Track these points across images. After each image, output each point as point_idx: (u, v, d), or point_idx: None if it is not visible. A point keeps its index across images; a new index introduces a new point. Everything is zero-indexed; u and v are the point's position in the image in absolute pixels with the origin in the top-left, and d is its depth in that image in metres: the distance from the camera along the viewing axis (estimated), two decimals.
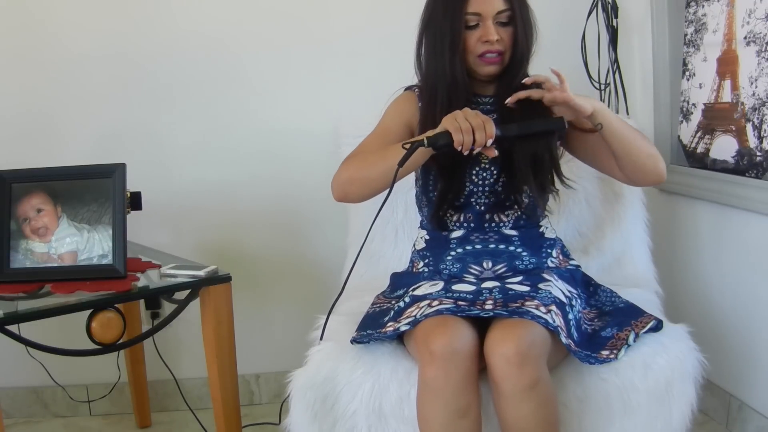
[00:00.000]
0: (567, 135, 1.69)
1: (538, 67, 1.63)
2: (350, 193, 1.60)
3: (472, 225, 1.66)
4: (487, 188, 1.64)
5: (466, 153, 1.44)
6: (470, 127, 1.42)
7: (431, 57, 1.63)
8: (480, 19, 1.56)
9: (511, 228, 1.66)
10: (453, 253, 1.66)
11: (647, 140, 1.62)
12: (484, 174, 1.64)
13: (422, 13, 1.64)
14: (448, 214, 1.68)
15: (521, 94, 1.53)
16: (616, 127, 1.55)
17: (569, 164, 1.94)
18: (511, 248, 1.64)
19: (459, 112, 1.45)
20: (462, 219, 1.67)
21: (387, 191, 1.50)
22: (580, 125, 1.64)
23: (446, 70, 1.59)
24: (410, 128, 1.68)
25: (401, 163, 1.46)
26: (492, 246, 1.64)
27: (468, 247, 1.65)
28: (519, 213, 1.66)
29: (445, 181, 1.64)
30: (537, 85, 1.54)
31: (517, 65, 1.59)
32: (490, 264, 1.63)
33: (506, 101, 1.55)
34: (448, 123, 1.44)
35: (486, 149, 1.45)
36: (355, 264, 1.62)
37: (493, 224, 1.66)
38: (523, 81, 1.55)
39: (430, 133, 1.47)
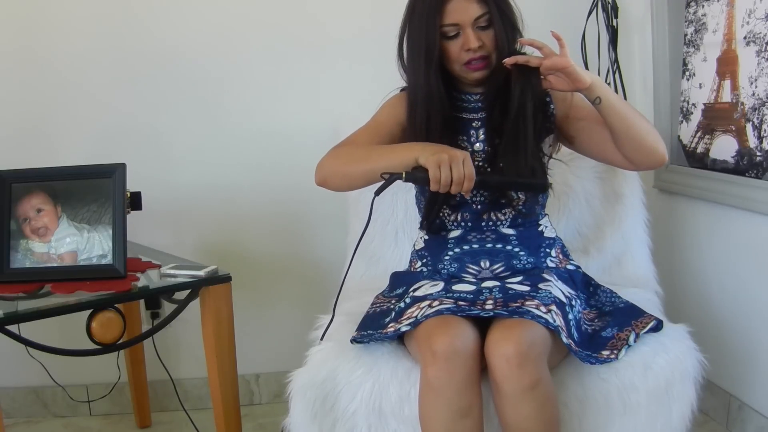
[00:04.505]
0: (562, 126, 1.68)
1: None
2: (329, 183, 1.61)
3: (469, 224, 1.66)
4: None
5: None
6: (449, 181, 1.41)
7: (409, 69, 1.63)
8: (459, 28, 1.54)
9: (508, 227, 1.66)
10: (450, 253, 1.66)
11: (647, 120, 1.61)
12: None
13: (401, 21, 1.62)
14: (445, 214, 1.68)
15: (520, 59, 1.52)
16: (614, 101, 1.55)
17: (569, 164, 1.95)
18: (509, 248, 1.64)
19: (446, 157, 1.41)
20: (459, 218, 1.67)
21: (367, 219, 1.53)
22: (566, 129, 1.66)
23: (422, 83, 1.59)
24: (403, 127, 1.67)
25: (378, 192, 1.50)
26: (489, 245, 1.64)
27: (465, 247, 1.65)
28: (515, 211, 1.66)
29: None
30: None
31: (504, 65, 1.57)
32: (487, 263, 1.63)
33: (504, 60, 1.53)
34: (431, 166, 1.42)
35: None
36: (350, 266, 1.63)
37: (491, 223, 1.66)
38: (519, 40, 1.55)
39: (415, 160, 1.45)
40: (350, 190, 1.62)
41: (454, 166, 1.41)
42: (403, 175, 1.46)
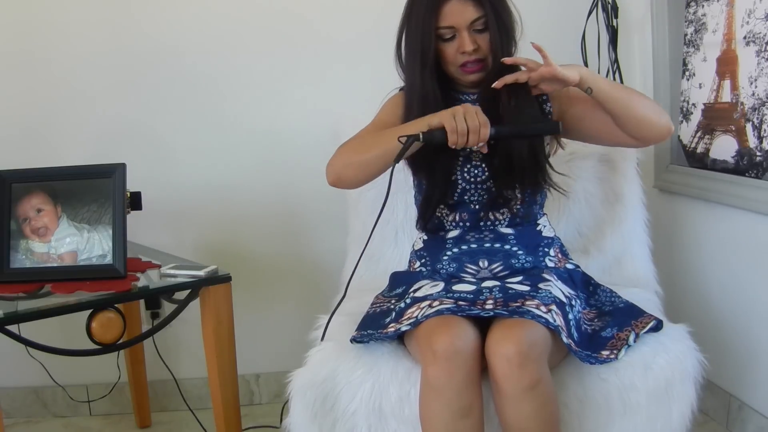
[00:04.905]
0: (561, 121, 1.68)
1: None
2: (344, 178, 1.59)
3: (467, 224, 1.66)
4: (479, 185, 1.64)
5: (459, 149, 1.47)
6: (466, 129, 1.43)
7: (406, 69, 1.64)
8: (455, 30, 1.55)
9: (507, 226, 1.66)
10: (449, 252, 1.66)
11: (644, 96, 1.61)
12: (476, 171, 1.64)
13: (399, 22, 1.63)
14: (444, 214, 1.68)
15: (508, 79, 1.53)
16: (606, 88, 1.55)
17: (568, 164, 1.95)
18: (507, 247, 1.64)
19: (460, 109, 1.44)
20: (458, 218, 1.67)
21: (386, 191, 1.51)
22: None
23: (417, 84, 1.59)
24: None
25: (398, 159, 1.48)
26: (487, 245, 1.64)
27: (464, 247, 1.65)
28: (514, 211, 1.66)
29: (431, 184, 1.64)
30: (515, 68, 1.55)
31: (500, 67, 1.57)
32: (486, 263, 1.63)
33: (493, 85, 1.54)
34: (446, 121, 1.44)
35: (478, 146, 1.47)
36: (357, 266, 1.63)
37: (489, 223, 1.66)
38: (502, 60, 1.54)
39: (427, 125, 1.47)
40: (366, 180, 1.59)
41: (468, 115, 1.43)
42: (421, 136, 1.46)
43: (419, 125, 1.49)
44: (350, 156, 1.57)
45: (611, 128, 1.61)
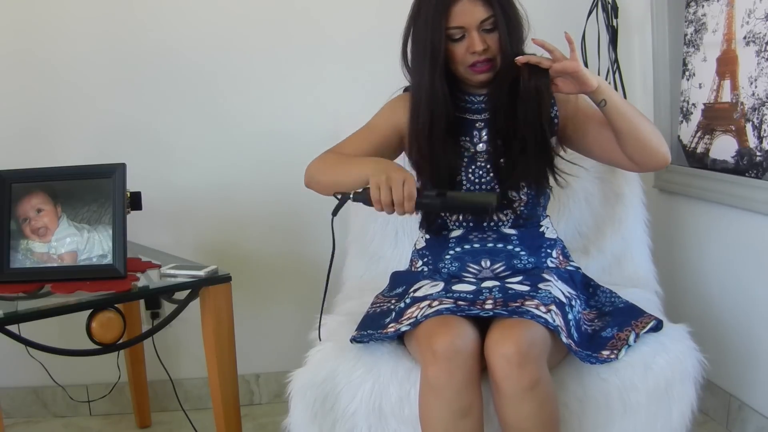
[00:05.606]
0: (565, 128, 1.69)
1: None
2: (312, 188, 1.67)
3: (471, 224, 1.67)
4: (484, 186, 1.64)
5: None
6: (389, 201, 1.44)
7: (414, 70, 1.63)
8: (464, 30, 1.55)
9: (510, 227, 1.66)
10: (451, 252, 1.66)
11: (650, 122, 1.62)
12: (481, 172, 1.65)
13: (406, 22, 1.62)
14: (447, 215, 1.68)
15: (532, 59, 1.53)
16: (619, 103, 1.56)
17: (568, 164, 1.94)
18: (510, 247, 1.64)
19: (384, 178, 1.44)
20: (461, 218, 1.67)
21: (332, 242, 1.59)
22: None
23: (426, 85, 1.59)
24: (399, 131, 1.68)
25: (334, 213, 1.53)
26: (490, 245, 1.64)
27: (466, 246, 1.65)
28: (517, 212, 1.66)
29: (435, 185, 1.64)
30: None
31: (509, 66, 1.57)
32: (488, 263, 1.63)
33: (516, 59, 1.54)
34: (372, 187, 1.45)
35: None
36: (332, 263, 1.66)
37: (492, 223, 1.66)
38: (532, 40, 1.55)
39: (366, 180, 1.47)
40: (329, 195, 1.63)
41: (393, 187, 1.43)
42: (351, 195, 1.50)
43: (364, 170, 1.49)
44: (316, 173, 1.64)
45: (612, 147, 1.63)
